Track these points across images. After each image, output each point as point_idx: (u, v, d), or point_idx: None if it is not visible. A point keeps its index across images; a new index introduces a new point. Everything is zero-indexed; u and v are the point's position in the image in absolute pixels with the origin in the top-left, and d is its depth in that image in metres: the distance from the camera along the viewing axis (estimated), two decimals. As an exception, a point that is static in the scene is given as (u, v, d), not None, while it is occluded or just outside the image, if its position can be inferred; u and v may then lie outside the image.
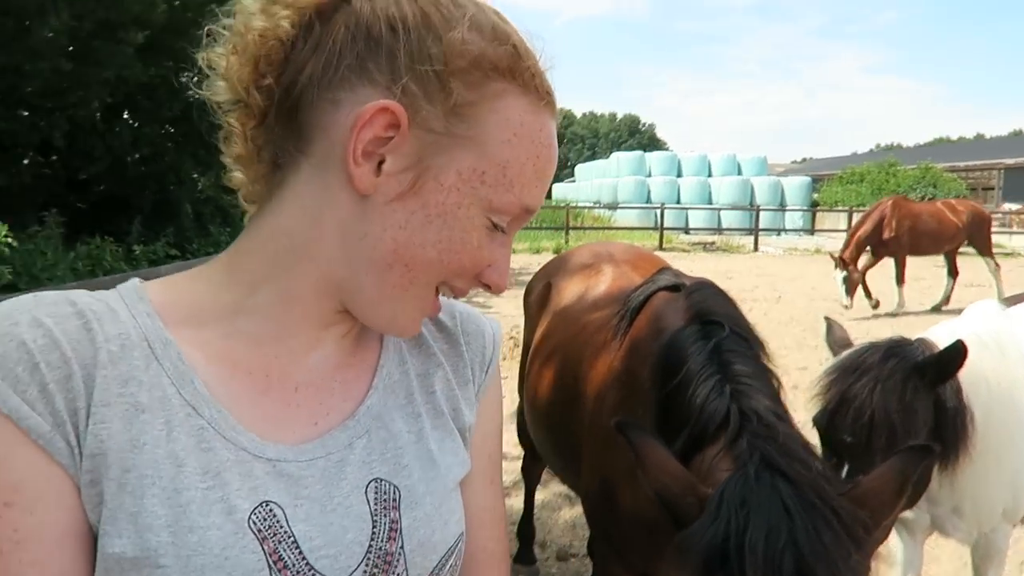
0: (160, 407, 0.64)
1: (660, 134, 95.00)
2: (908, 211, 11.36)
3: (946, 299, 11.87)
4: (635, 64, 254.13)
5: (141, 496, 0.60)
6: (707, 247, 22.09)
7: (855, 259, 10.96)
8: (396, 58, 0.66)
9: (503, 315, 10.45)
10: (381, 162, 0.67)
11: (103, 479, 0.60)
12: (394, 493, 0.73)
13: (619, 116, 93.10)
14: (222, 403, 0.67)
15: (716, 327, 1.63)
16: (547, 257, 18.45)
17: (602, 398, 1.94)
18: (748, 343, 1.63)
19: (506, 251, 0.74)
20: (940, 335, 2.47)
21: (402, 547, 0.72)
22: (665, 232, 22.56)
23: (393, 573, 0.71)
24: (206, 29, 0.71)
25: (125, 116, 11.53)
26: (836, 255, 11.09)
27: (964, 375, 2.19)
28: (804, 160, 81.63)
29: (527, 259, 18.13)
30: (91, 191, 11.41)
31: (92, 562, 0.61)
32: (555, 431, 2.26)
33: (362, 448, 0.74)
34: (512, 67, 0.69)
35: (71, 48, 8.07)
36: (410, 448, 0.77)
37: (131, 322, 0.66)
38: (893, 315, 11.14)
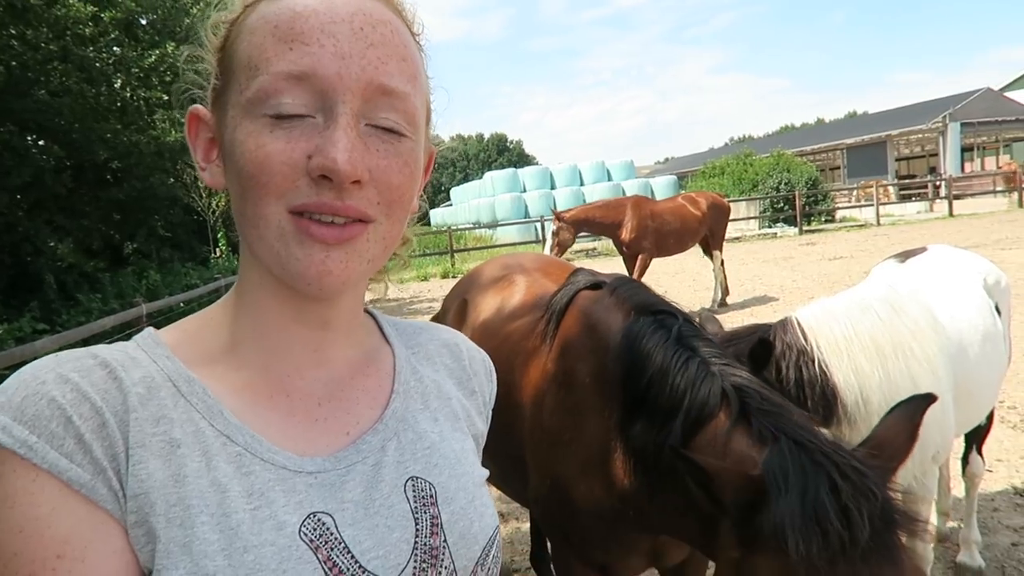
0: (195, 441, 0.66)
1: (528, 149, 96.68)
2: (650, 211, 10.61)
3: (725, 290, 11.23)
4: (495, 84, 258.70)
5: (191, 526, 0.62)
6: (589, 253, 22.69)
7: (575, 225, 10.52)
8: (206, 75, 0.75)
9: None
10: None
11: (150, 516, 0.62)
12: (430, 489, 0.76)
13: (486, 136, 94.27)
14: (253, 428, 0.70)
15: (668, 316, 1.70)
16: (436, 283, 18.55)
17: (540, 401, 1.97)
18: (698, 328, 1.71)
19: (331, 133, 0.65)
20: (820, 307, 2.66)
21: (445, 541, 0.75)
22: (547, 244, 22.98)
23: (440, 566, 0.73)
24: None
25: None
26: (556, 210, 10.82)
27: (836, 345, 2.39)
28: (667, 160, 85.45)
29: (416, 287, 18.08)
30: (-64, 272, 10.52)
31: None
32: (492, 442, 2.26)
33: (394, 449, 0.77)
34: (254, 1, 0.71)
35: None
36: (437, 448, 0.80)
37: (153, 366, 0.69)
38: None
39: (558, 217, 10.61)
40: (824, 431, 1.44)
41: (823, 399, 2.34)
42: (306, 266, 0.67)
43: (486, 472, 0.87)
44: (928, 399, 1.42)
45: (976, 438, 3.51)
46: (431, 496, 0.76)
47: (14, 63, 9.78)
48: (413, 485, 0.75)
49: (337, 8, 0.67)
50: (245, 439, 0.68)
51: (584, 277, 2.05)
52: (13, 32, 10.10)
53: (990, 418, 3.44)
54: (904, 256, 3.35)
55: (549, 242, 10.61)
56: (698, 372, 1.54)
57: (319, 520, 0.67)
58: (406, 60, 0.70)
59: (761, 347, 2.22)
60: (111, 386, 0.65)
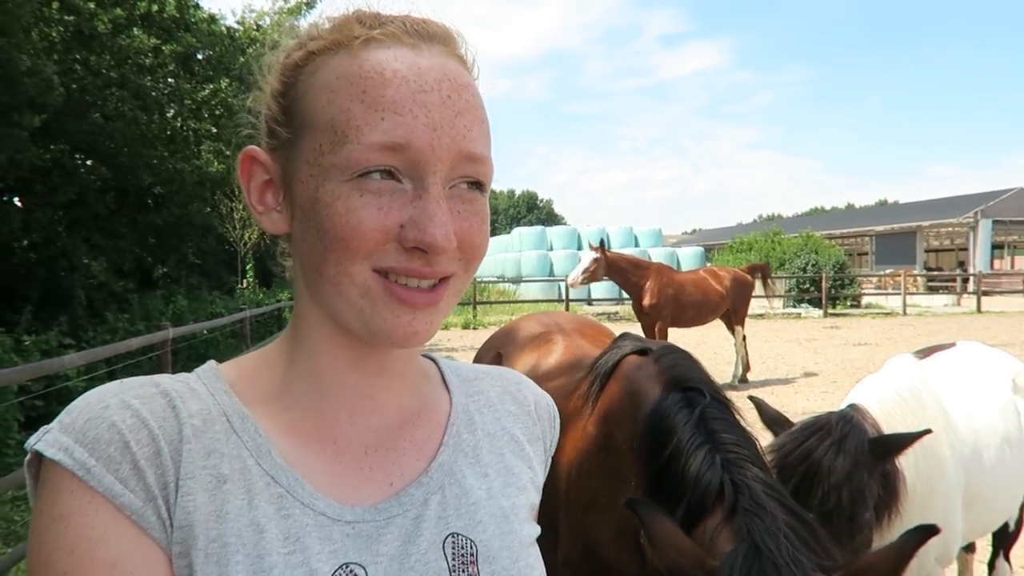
0: (241, 477, 0.67)
1: (558, 209, 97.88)
2: (671, 280, 10.48)
3: (746, 366, 11.16)
4: (530, 143, 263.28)
5: (226, 564, 0.63)
6: (611, 317, 22.64)
7: (608, 266, 10.26)
8: (258, 115, 0.76)
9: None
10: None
11: (192, 550, 0.63)
12: (471, 547, 0.74)
13: (517, 193, 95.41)
14: (298, 471, 0.70)
15: (696, 394, 1.71)
16: (455, 333, 18.55)
17: (579, 464, 1.96)
18: (727, 407, 1.71)
19: (425, 205, 0.66)
20: (866, 395, 2.66)
21: None
22: (570, 304, 23.04)
23: None
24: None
25: (15, 201, 10.99)
26: (594, 245, 10.52)
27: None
28: (695, 231, 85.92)
29: (436, 336, 18.07)
30: (-28, 280, 10.72)
31: None
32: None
33: (437, 504, 0.75)
34: (325, 47, 0.71)
35: (-40, 131, 7.71)
36: (483, 504, 0.78)
37: (211, 399, 0.71)
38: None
39: (601, 249, 10.39)
40: (796, 539, 1.44)
41: (894, 490, 2.32)
42: (393, 327, 0.68)
43: (537, 530, 0.84)
44: (927, 531, 1.44)
45: (1003, 543, 3.42)
46: (471, 554, 0.74)
47: (74, 86, 10.14)
48: (453, 542, 0.74)
49: (425, 75, 0.67)
50: (288, 481, 0.69)
51: (631, 342, 2.07)
52: (78, 57, 10.52)
53: (1019, 523, 3.36)
54: (928, 351, 3.33)
55: (583, 264, 10.36)
56: (703, 462, 1.56)
57: (351, 571, 0.67)
58: (484, 122, 0.71)
59: (886, 440, 2.25)
60: (169, 415, 0.66)
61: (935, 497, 2.51)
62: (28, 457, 0.65)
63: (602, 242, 10.58)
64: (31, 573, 0.62)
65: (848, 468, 2.10)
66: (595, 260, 10.30)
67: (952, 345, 3.36)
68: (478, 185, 0.71)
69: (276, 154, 0.73)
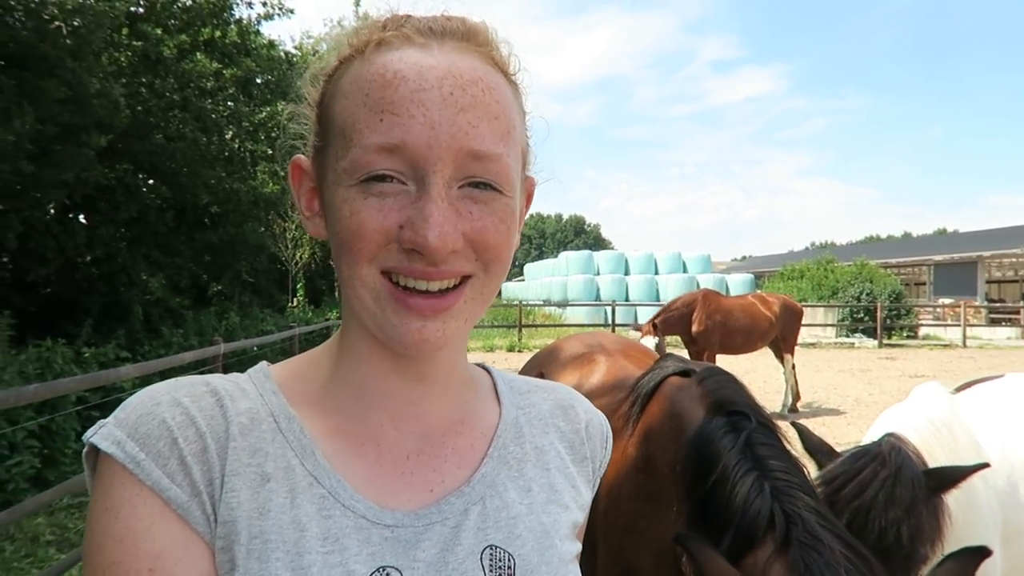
0: (284, 476, 0.69)
1: (605, 234, 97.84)
2: (719, 306, 10.29)
3: (796, 395, 10.89)
4: (579, 168, 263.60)
5: (266, 560, 0.64)
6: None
7: (665, 332, 10.04)
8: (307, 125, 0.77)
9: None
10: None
11: (234, 545, 0.64)
12: (509, 561, 0.74)
13: (565, 217, 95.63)
14: (341, 473, 0.71)
15: (742, 418, 1.67)
16: (500, 355, 18.57)
17: (619, 485, 1.94)
18: (774, 433, 1.67)
19: (423, 206, 0.65)
20: (897, 424, 2.57)
21: None
22: (616, 328, 22.87)
23: None
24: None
25: (80, 218, 11.44)
26: (644, 324, 10.17)
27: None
28: (745, 258, 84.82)
29: (481, 357, 18.13)
30: (38, 293, 11.14)
31: None
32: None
33: (477, 515, 0.75)
34: (350, 54, 0.71)
35: (32, 149, 8.05)
36: (523, 519, 0.78)
37: (259, 400, 0.73)
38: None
39: (655, 327, 10.02)
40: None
41: (939, 525, 2.23)
42: (402, 333, 0.68)
43: (577, 548, 0.84)
44: (979, 553, 1.38)
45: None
46: (509, 567, 0.73)
47: (139, 108, 10.53)
48: (491, 554, 0.73)
49: (426, 74, 0.66)
50: (331, 483, 0.70)
51: (673, 363, 2.04)
52: (143, 80, 10.95)
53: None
54: (971, 383, 3.21)
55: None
56: (752, 489, 1.51)
57: (388, 574, 0.68)
58: (499, 118, 0.69)
59: (940, 472, 2.17)
60: (217, 413, 0.69)
61: (967, 530, 2.41)
62: (86, 449, 0.67)
63: (655, 325, 10.14)
64: (85, 559, 0.64)
65: (907, 502, 2.02)
66: (658, 345, 9.95)
67: (999, 376, 3.24)
68: (492, 182, 0.69)
69: (315, 162, 0.75)
